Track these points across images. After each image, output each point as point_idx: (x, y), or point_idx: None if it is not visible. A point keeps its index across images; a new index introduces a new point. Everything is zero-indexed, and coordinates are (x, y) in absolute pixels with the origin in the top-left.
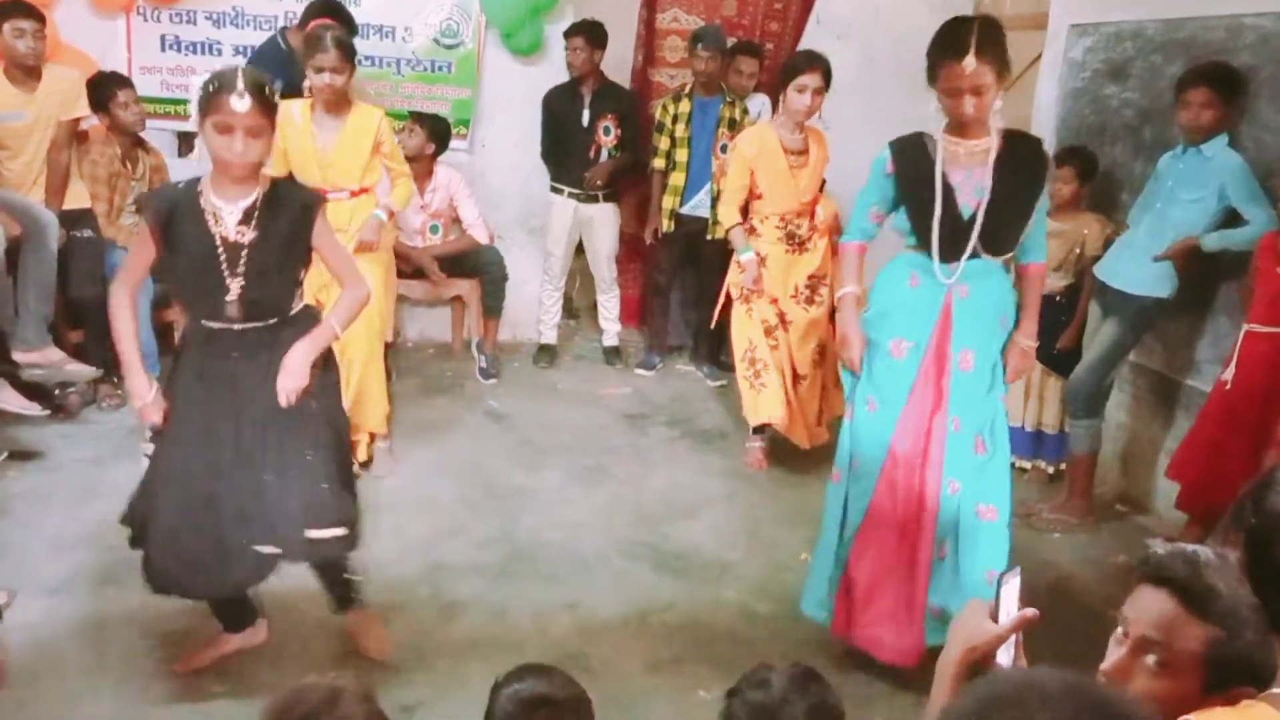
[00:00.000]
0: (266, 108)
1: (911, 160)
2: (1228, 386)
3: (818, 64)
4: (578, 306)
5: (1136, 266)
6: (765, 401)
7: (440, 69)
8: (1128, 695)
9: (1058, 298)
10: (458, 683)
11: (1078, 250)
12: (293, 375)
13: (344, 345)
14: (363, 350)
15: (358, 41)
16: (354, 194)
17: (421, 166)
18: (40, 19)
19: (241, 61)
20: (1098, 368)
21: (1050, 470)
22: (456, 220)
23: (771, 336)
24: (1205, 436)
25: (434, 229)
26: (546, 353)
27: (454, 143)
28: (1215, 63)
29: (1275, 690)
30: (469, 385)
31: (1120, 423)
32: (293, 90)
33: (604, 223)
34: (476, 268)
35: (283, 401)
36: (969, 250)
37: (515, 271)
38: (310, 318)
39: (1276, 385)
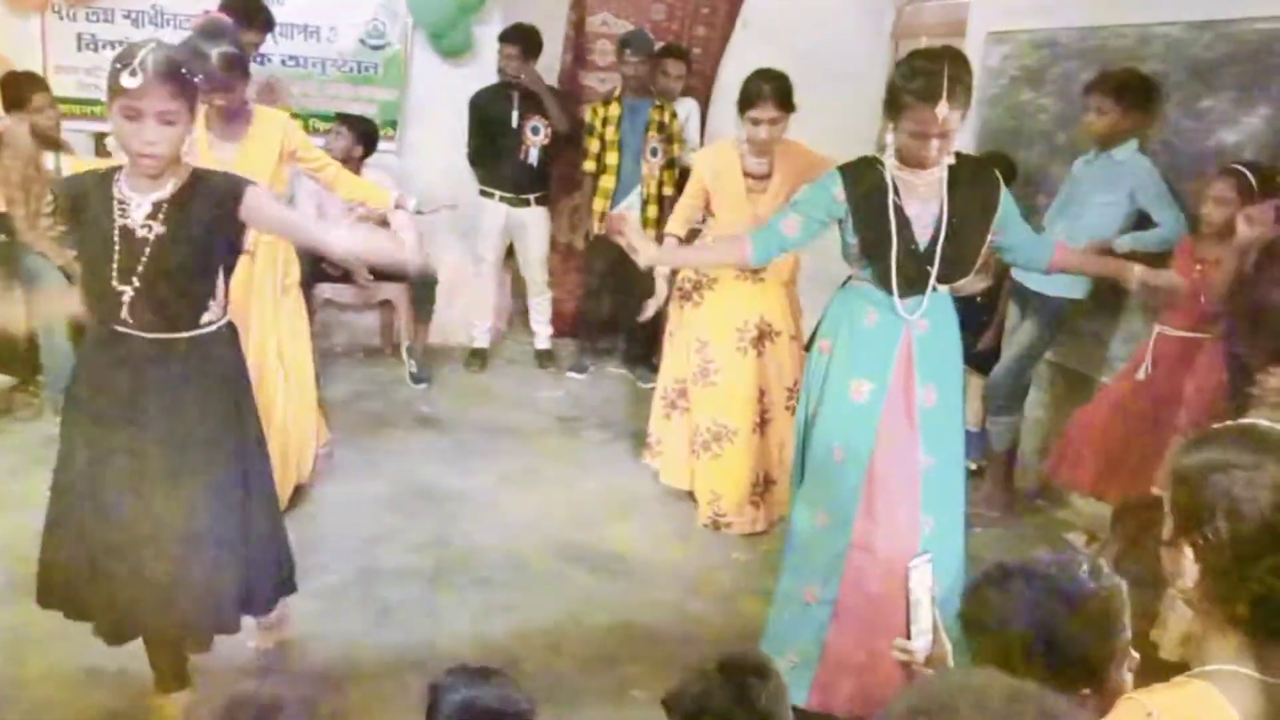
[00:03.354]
0: (179, 89)
1: (865, 190)
2: (1140, 376)
3: (768, 95)
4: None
5: None
6: (666, 462)
7: (367, 70)
8: (1061, 698)
9: (978, 299)
10: (393, 689)
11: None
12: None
13: (269, 397)
14: (293, 400)
15: (282, 41)
16: None
17: (349, 169)
18: None
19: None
20: (1016, 366)
21: (972, 466)
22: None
23: (684, 399)
24: (1101, 422)
25: None
26: (478, 357)
27: (382, 145)
28: (1116, 71)
29: (1210, 667)
30: (400, 390)
31: (1038, 419)
32: None
33: (535, 226)
34: (405, 271)
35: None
36: (929, 285)
37: (446, 275)
38: (228, 339)
39: (1179, 385)
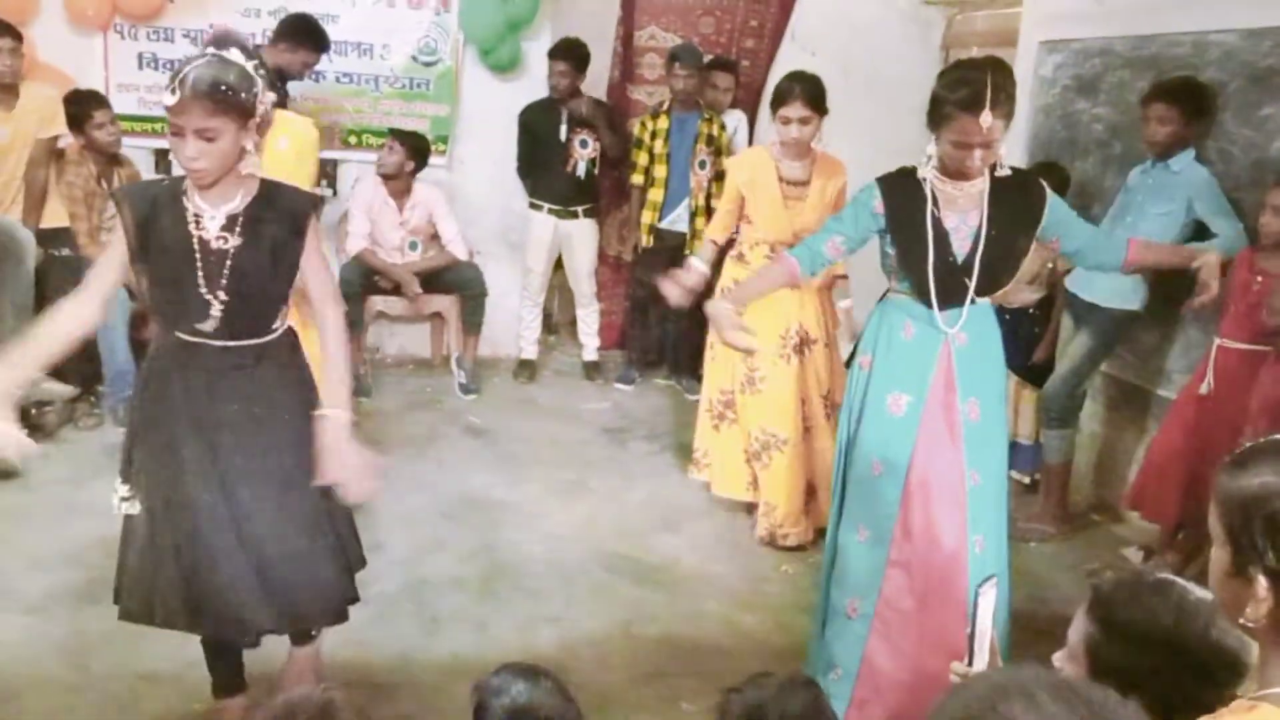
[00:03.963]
0: (218, 106)
1: (902, 201)
2: (1203, 391)
3: (797, 94)
4: (557, 322)
5: (1107, 279)
6: (717, 474)
7: (419, 86)
8: (1111, 692)
9: (1031, 310)
10: (443, 698)
11: (1050, 264)
12: (348, 468)
13: None
14: None
15: (336, 59)
16: None
17: (400, 184)
18: (17, 36)
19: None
20: (1070, 378)
21: (1026, 480)
22: (435, 237)
23: (731, 410)
24: (1176, 451)
25: (413, 245)
26: (526, 368)
27: (433, 159)
28: (1176, 78)
29: (1274, 690)
30: (449, 401)
31: (1093, 432)
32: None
33: (583, 239)
34: (456, 284)
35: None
36: (967, 297)
37: (495, 287)
38: (291, 344)
39: (1243, 401)
